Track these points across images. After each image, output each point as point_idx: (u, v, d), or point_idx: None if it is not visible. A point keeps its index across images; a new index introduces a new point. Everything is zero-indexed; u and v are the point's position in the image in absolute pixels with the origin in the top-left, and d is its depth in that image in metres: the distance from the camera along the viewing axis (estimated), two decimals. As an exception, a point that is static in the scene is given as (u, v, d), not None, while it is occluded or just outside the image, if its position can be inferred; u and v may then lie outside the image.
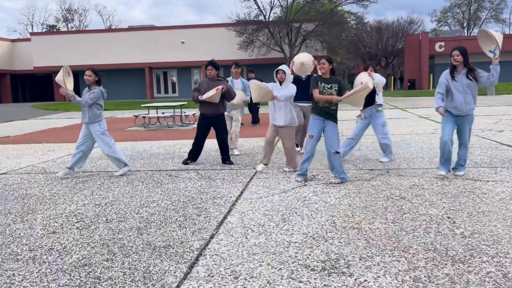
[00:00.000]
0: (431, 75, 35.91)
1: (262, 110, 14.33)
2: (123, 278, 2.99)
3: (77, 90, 36.34)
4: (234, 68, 8.27)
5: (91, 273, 3.09)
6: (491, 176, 5.63)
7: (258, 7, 29.73)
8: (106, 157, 6.48)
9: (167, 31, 33.88)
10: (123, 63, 34.22)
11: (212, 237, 3.75)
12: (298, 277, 2.93)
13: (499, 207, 4.32)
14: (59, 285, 2.92)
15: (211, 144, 8.93)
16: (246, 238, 3.70)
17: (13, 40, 39.69)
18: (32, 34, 37.61)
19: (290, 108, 6.29)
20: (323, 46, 28.99)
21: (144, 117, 14.55)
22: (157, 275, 3.03)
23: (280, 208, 4.52)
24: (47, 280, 3.00)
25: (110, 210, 4.67)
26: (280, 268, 3.07)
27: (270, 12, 30.15)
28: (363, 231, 3.77)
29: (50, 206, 4.96)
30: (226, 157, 7.14)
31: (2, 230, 4.13)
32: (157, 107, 15.16)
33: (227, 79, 7.42)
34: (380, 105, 6.89)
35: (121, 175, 6.52)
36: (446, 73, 5.53)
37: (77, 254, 3.46)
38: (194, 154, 7.20)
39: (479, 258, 3.14)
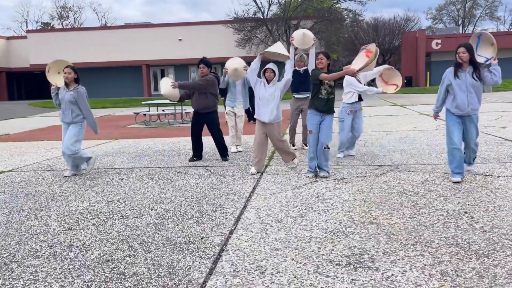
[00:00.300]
0: (428, 72, 36.03)
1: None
2: (148, 274, 2.97)
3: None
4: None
5: (115, 269, 3.07)
6: (501, 171, 5.65)
7: (256, 4, 29.67)
8: (64, 154, 6.20)
9: (164, 28, 33.77)
10: (120, 61, 34.06)
11: (231, 232, 3.74)
12: (324, 272, 2.92)
13: (514, 201, 4.33)
14: (84, 281, 2.90)
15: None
16: (266, 233, 3.69)
17: (8, 38, 39.38)
18: (28, 31, 37.34)
19: (278, 104, 6.06)
20: (321, 43, 28.98)
21: (144, 114, 14.49)
22: (182, 270, 3.01)
23: (295, 204, 4.51)
24: (71, 276, 2.98)
25: (124, 207, 4.65)
26: (305, 263, 3.07)
27: (268, 9, 30.10)
28: (382, 226, 3.77)
29: (62, 203, 4.92)
30: (224, 155, 7.22)
31: (18, 227, 4.09)
32: (157, 105, 15.10)
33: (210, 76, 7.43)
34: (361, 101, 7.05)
35: (66, 176, 6.30)
36: (449, 71, 5.25)
37: (98, 250, 3.44)
38: (196, 152, 7.22)
39: (503, 252, 3.15)
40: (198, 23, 34.34)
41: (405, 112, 14.93)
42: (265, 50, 6.22)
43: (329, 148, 5.63)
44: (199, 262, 3.13)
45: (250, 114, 13.86)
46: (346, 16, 32.58)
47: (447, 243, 3.35)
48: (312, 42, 6.74)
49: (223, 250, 3.35)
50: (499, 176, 5.38)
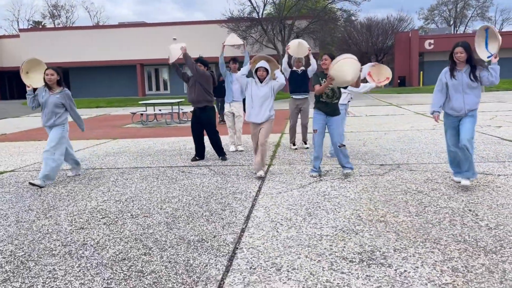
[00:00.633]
0: (421, 72, 36.33)
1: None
2: (166, 272, 3.02)
3: (67, 88, 35.98)
4: (232, 63, 8.41)
5: (132, 267, 3.12)
6: (501, 170, 5.77)
7: (251, 4, 29.73)
8: (45, 159, 5.76)
9: (159, 28, 33.70)
10: (114, 60, 33.93)
11: (243, 231, 3.80)
12: (339, 269, 2.99)
13: (516, 200, 4.44)
14: (104, 279, 2.94)
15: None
16: (277, 231, 3.76)
17: (0, 37, 39.04)
18: (21, 30, 37.07)
19: (272, 105, 5.88)
20: (315, 43, 29.10)
21: (142, 114, 14.49)
22: (199, 268, 3.07)
23: (303, 203, 4.58)
24: (90, 274, 3.02)
25: (133, 206, 4.69)
26: (319, 260, 3.14)
27: (263, 9, 30.17)
28: (390, 224, 3.85)
29: (69, 202, 4.95)
30: (220, 154, 7.32)
31: (29, 227, 4.12)
32: (154, 104, 15.10)
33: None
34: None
35: (32, 184, 5.67)
36: (445, 71, 5.03)
37: (113, 249, 3.48)
38: (198, 152, 7.29)
39: (510, 248, 3.24)
40: (192, 22, 34.34)
41: (401, 112, 15.08)
42: (257, 57, 6.08)
43: (344, 146, 5.67)
44: (215, 260, 3.19)
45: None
46: (340, 16, 32.74)
47: (455, 240, 3.44)
48: (307, 52, 7.12)
49: (237, 248, 3.42)
50: (499, 175, 5.50)
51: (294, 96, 7.86)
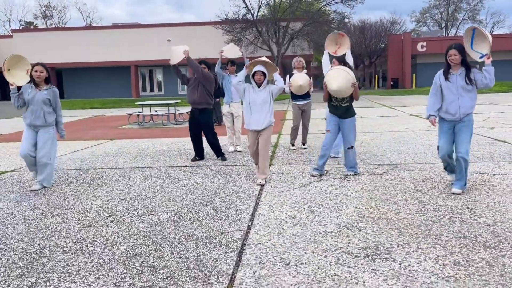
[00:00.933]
0: (414, 74, 36.67)
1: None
2: (177, 267, 3.11)
3: (61, 89, 35.81)
4: (230, 66, 8.51)
5: (144, 263, 3.20)
6: (496, 169, 5.92)
7: (246, 5, 29.86)
8: (38, 162, 5.60)
9: (153, 29, 33.71)
10: (108, 61, 33.88)
11: (249, 228, 3.89)
12: (345, 263, 3.10)
13: (512, 198, 4.59)
14: (117, 274, 3.02)
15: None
16: (283, 228, 3.86)
17: (-8, 37, 38.81)
18: (14, 31, 36.87)
19: (272, 111, 5.63)
20: (309, 45, 29.29)
21: (138, 115, 14.53)
22: (210, 262, 3.16)
23: (305, 201, 4.69)
24: (103, 269, 3.10)
25: (138, 205, 4.76)
26: (326, 255, 3.24)
27: (258, 11, 30.31)
28: (391, 221, 3.97)
29: (74, 201, 5.01)
30: (219, 154, 7.41)
31: (37, 225, 4.18)
32: (150, 105, 15.15)
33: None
34: None
35: (32, 190, 5.57)
36: (439, 73, 4.93)
37: (123, 245, 3.56)
38: (198, 153, 7.38)
39: (508, 243, 3.37)
40: (187, 23, 34.39)
41: (396, 113, 15.26)
42: (252, 61, 5.71)
43: (352, 147, 5.80)
44: (225, 255, 3.28)
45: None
46: (334, 19, 32.98)
47: (455, 236, 3.57)
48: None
49: (245, 244, 3.51)
50: (494, 174, 5.64)
51: (297, 102, 7.97)
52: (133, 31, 33.89)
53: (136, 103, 16.79)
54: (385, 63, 42.11)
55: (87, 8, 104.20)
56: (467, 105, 4.76)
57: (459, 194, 4.79)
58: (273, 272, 2.99)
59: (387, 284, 2.77)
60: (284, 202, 4.70)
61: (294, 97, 7.91)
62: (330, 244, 3.46)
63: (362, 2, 30.91)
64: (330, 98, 5.78)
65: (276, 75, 5.67)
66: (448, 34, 59.67)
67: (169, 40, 32.98)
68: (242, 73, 5.65)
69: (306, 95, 7.87)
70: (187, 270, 3.05)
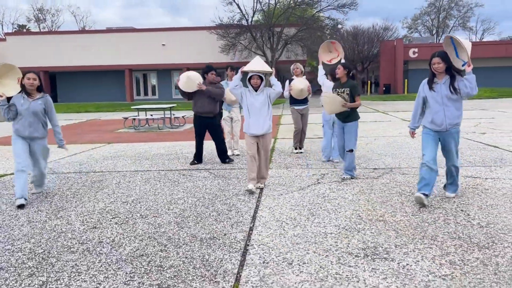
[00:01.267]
0: (406, 80, 37.06)
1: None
2: (184, 266, 3.21)
3: (54, 92, 35.68)
4: (230, 71, 8.61)
5: (151, 262, 3.30)
6: (487, 174, 6.09)
7: (241, 11, 30.06)
8: (39, 175, 5.51)
9: (148, 33, 33.76)
10: (102, 65, 33.86)
11: (251, 229, 4.00)
12: (346, 262, 3.22)
13: (504, 201, 4.74)
14: (126, 273, 3.12)
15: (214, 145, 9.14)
16: (284, 230, 3.97)
17: (-15, 40, 38.59)
18: (7, 34, 36.72)
19: (271, 114, 5.58)
20: (303, 51, 29.55)
21: (134, 119, 14.59)
22: (215, 262, 3.27)
23: (304, 204, 4.81)
24: (112, 269, 3.19)
25: (141, 207, 4.85)
26: (327, 255, 3.36)
27: (252, 17, 30.52)
28: (389, 223, 4.10)
29: (77, 204, 5.09)
30: (224, 158, 7.49)
31: (42, 226, 4.26)
32: (146, 109, 15.21)
33: (221, 82, 7.74)
34: None
35: (33, 193, 5.61)
36: (423, 83, 4.78)
37: (129, 246, 3.65)
38: (198, 156, 7.46)
39: (501, 244, 3.52)
40: (181, 28, 34.49)
41: (388, 118, 15.47)
42: (245, 68, 5.52)
43: (352, 151, 5.95)
44: (229, 255, 3.39)
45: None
46: (327, 25, 33.29)
47: (450, 237, 3.70)
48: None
49: (248, 244, 3.62)
50: (486, 178, 5.81)
51: (295, 107, 8.10)
52: (127, 35, 33.92)
53: (132, 107, 16.83)
54: (378, 69, 42.51)
55: (81, 11, 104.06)
56: (453, 115, 4.60)
57: (453, 197, 4.92)
58: (277, 271, 3.10)
59: (387, 282, 2.90)
60: (283, 204, 4.82)
61: (293, 102, 8.04)
62: (331, 245, 3.58)
63: (355, 9, 31.25)
64: None
65: (274, 79, 5.64)
66: (439, 40, 60.32)
67: (163, 45, 33.07)
68: (238, 77, 5.58)
69: (304, 100, 8.01)
70: (194, 270, 3.15)
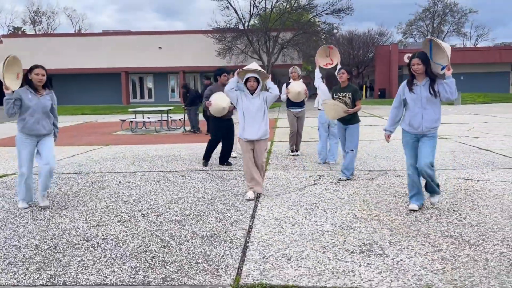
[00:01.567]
0: (400, 84, 37.42)
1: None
2: (187, 261, 3.34)
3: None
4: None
5: (155, 258, 3.42)
6: (479, 176, 6.25)
7: (237, 15, 30.27)
8: (48, 171, 4.98)
9: (144, 37, 33.89)
10: (98, 68, 33.92)
11: (250, 227, 4.13)
12: (342, 258, 3.36)
13: (495, 201, 4.90)
14: (131, 267, 3.23)
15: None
16: (282, 228, 4.10)
17: (-19, 42, 38.53)
18: (3, 36, 36.73)
19: (267, 119, 5.44)
20: (299, 55, 29.77)
21: (131, 121, 14.69)
22: (217, 258, 3.39)
23: (302, 204, 4.95)
24: (117, 264, 3.31)
25: (142, 206, 4.97)
26: (324, 251, 3.50)
27: (249, 21, 30.73)
28: (383, 222, 4.25)
29: (79, 203, 5.20)
30: (225, 160, 7.62)
31: (46, 224, 4.36)
32: (143, 112, 15.32)
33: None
34: None
35: (41, 206, 5.04)
36: (403, 84, 4.68)
37: (133, 242, 3.77)
38: (208, 158, 7.57)
39: (491, 242, 3.67)
40: (178, 32, 34.66)
41: (383, 122, 15.65)
42: (243, 69, 5.45)
43: (352, 151, 6.15)
44: (230, 251, 3.52)
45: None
46: (323, 30, 33.56)
47: (442, 235, 3.85)
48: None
49: (248, 241, 3.75)
50: (478, 180, 5.97)
51: (292, 110, 8.24)
52: (124, 38, 34.03)
53: (129, 109, 16.94)
54: (373, 73, 42.86)
55: (77, 14, 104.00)
56: (431, 118, 4.48)
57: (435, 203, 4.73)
58: (276, 265, 3.23)
59: (382, 276, 3.03)
60: (281, 204, 4.95)
61: (290, 105, 8.19)
62: (328, 242, 3.71)
63: (350, 14, 31.53)
64: None
65: (270, 83, 5.51)
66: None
67: (160, 48, 33.19)
68: (233, 80, 5.45)
69: (301, 103, 8.16)
70: (196, 264, 3.27)
